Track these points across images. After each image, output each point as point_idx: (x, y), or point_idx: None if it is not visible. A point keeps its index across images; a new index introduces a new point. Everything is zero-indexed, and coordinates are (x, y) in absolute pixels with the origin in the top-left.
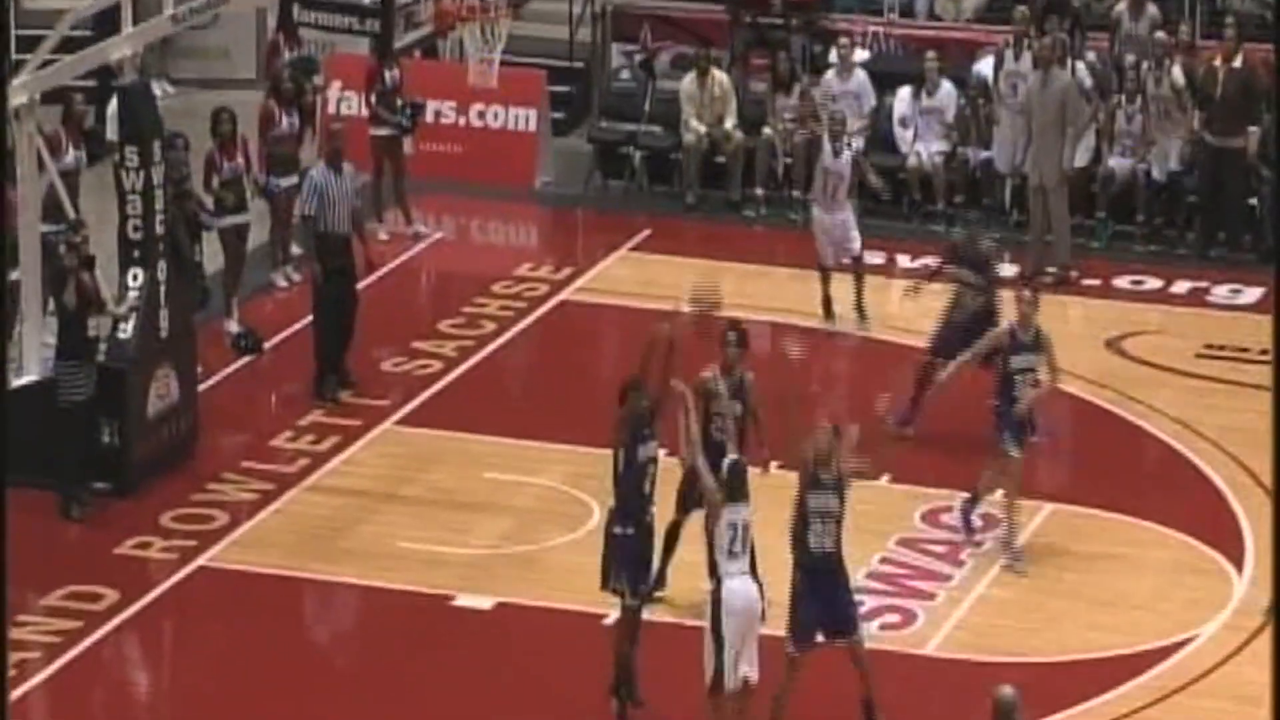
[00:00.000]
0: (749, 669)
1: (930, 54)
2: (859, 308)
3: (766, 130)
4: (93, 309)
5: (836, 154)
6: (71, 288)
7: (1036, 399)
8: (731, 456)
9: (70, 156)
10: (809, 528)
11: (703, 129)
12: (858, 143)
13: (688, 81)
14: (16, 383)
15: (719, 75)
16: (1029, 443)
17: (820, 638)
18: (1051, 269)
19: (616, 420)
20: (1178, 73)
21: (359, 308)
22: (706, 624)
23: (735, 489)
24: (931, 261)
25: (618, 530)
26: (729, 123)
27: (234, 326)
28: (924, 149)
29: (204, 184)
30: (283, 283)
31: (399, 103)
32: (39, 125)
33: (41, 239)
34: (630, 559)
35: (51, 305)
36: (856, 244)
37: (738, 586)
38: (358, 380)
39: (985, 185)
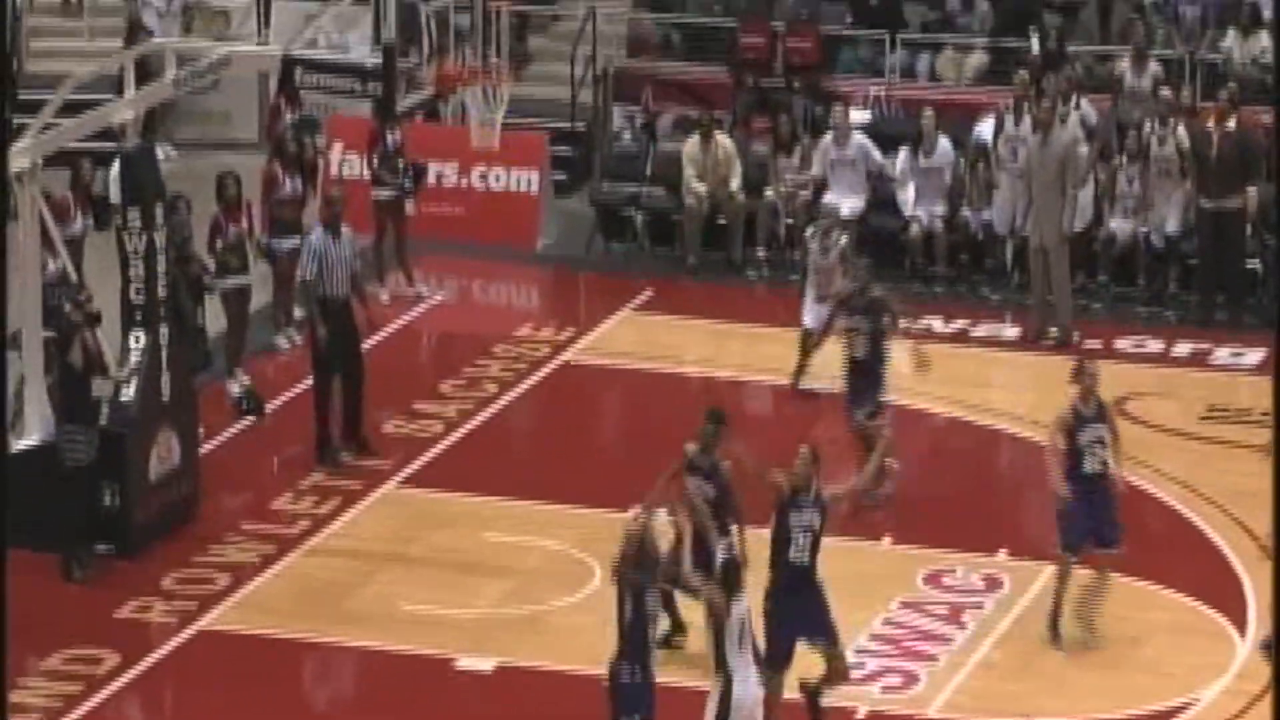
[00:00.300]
0: None
1: (927, 112)
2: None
3: (769, 192)
4: (96, 370)
5: (825, 252)
6: (78, 348)
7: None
8: (722, 555)
9: (78, 224)
10: (790, 542)
11: (704, 190)
12: (844, 239)
13: (691, 144)
14: (18, 445)
15: (722, 139)
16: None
17: (800, 645)
18: (1054, 331)
19: (622, 555)
20: (1182, 133)
21: (365, 371)
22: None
23: (733, 585)
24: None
25: (625, 678)
26: (734, 184)
27: (235, 389)
28: (924, 211)
29: (208, 247)
30: (284, 344)
31: (401, 165)
32: (47, 191)
33: (45, 304)
34: (640, 705)
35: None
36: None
37: (750, 687)
38: (377, 447)
39: (987, 247)
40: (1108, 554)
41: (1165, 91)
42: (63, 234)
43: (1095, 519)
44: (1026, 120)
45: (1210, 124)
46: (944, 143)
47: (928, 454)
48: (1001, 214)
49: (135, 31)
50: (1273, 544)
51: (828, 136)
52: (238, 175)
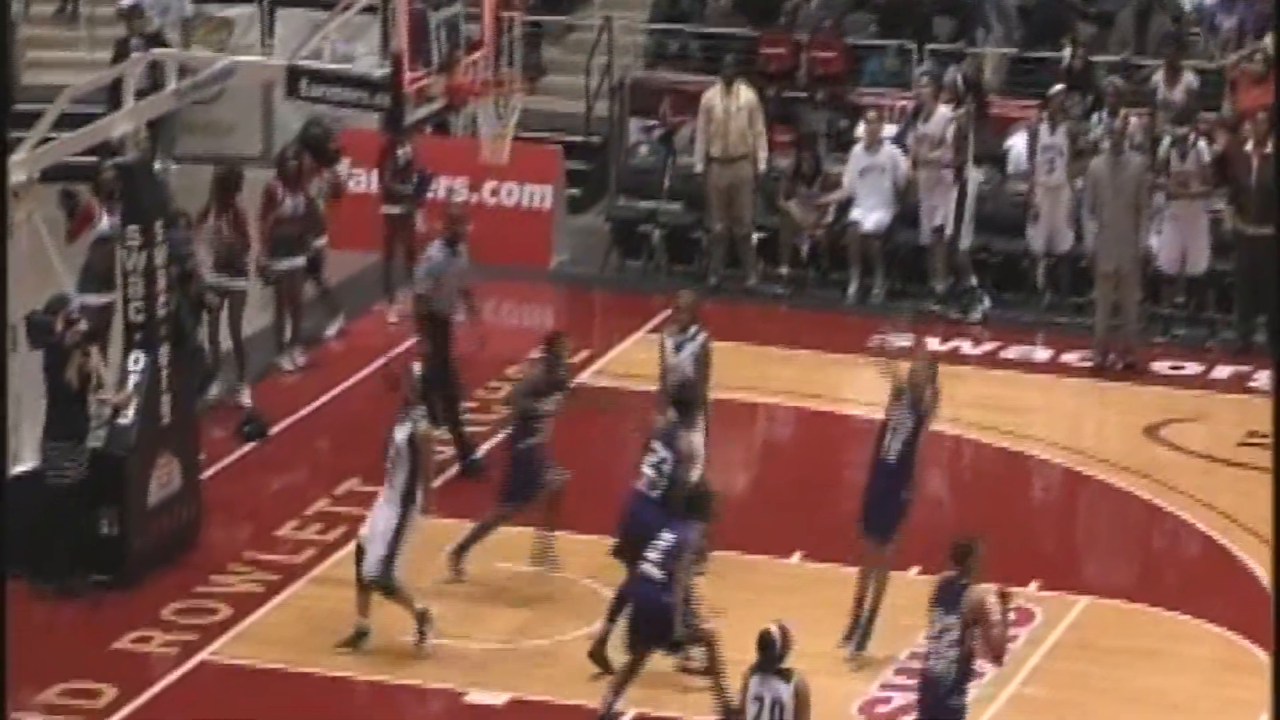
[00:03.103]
0: None
1: (871, 113)
2: None
3: (791, 206)
4: (91, 389)
5: (678, 349)
6: (74, 367)
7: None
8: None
9: (105, 223)
10: (885, 433)
11: (717, 152)
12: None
13: (711, 93)
14: (14, 470)
15: (744, 89)
16: None
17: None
18: (1130, 357)
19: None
20: (1203, 147)
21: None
22: None
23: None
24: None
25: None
26: (760, 151)
27: (288, 364)
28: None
29: (262, 217)
30: (288, 366)
31: (415, 179)
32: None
33: (35, 321)
34: None
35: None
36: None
37: None
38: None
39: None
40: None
41: (1171, 97)
42: (91, 236)
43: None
44: (1061, 130)
45: (1249, 146)
46: (887, 145)
47: (957, 480)
48: (1039, 231)
49: (128, 42)
50: (1273, 548)
51: (857, 146)
52: (299, 149)
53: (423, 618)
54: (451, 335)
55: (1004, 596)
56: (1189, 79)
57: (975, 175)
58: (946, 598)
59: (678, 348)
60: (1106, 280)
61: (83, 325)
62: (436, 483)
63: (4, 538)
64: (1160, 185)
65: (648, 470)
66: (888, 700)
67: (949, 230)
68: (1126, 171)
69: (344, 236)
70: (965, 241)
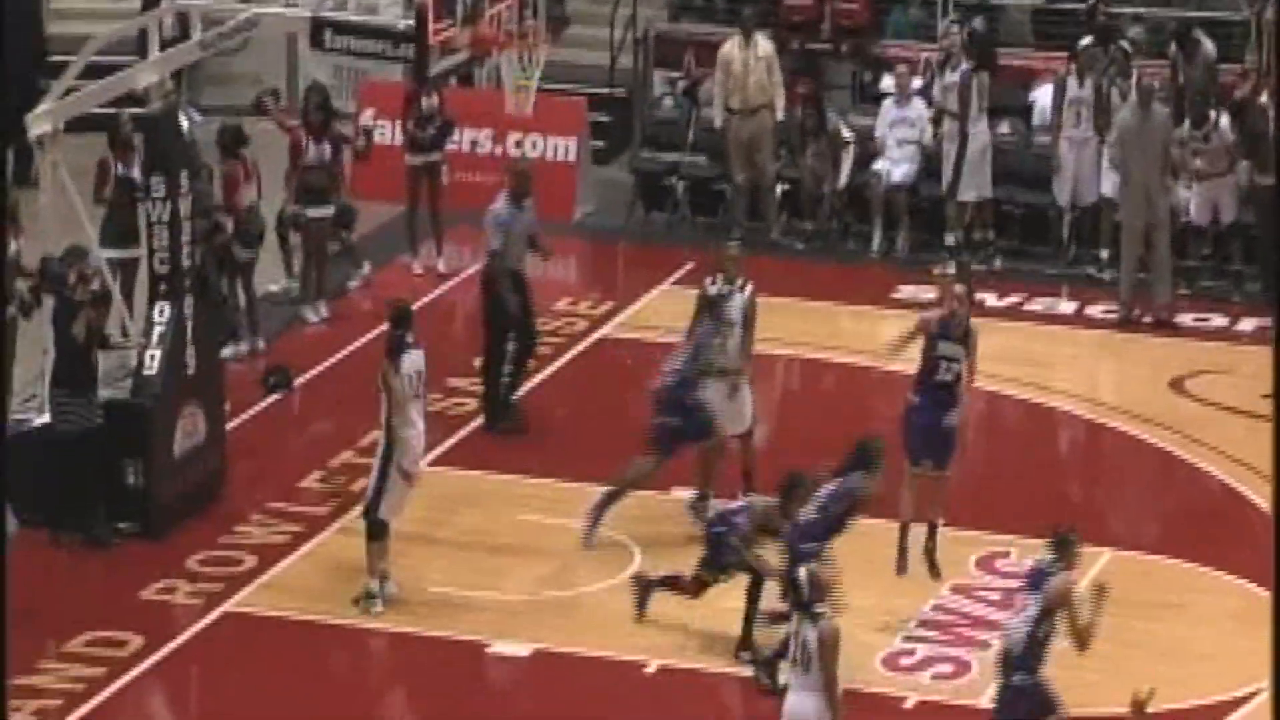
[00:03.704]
0: None
1: (901, 67)
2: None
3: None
4: (97, 344)
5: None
6: (81, 321)
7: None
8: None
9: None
10: (937, 368)
11: (736, 105)
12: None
13: (729, 45)
14: (38, 421)
15: (763, 40)
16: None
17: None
18: (1161, 313)
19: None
20: (1225, 126)
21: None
22: None
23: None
24: None
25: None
26: (777, 98)
27: (313, 316)
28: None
29: (286, 175)
30: (313, 318)
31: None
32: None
33: (49, 268)
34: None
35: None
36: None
37: (787, 699)
38: (526, 427)
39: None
40: (939, 473)
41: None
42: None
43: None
44: (1089, 83)
45: (1264, 98)
46: (917, 100)
47: (980, 433)
48: (1064, 184)
49: None
50: (1274, 537)
51: (888, 100)
52: (326, 92)
53: (376, 584)
54: (527, 289)
55: (1100, 591)
56: (1207, 50)
57: (980, 130)
58: (1035, 579)
59: (726, 297)
60: (1133, 236)
61: (95, 284)
62: (461, 434)
63: (4, 489)
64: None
65: None
66: (911, 652)
67: (946, 182)
68: (1153, 125)
69: (369, 188)
70: (966, 195)
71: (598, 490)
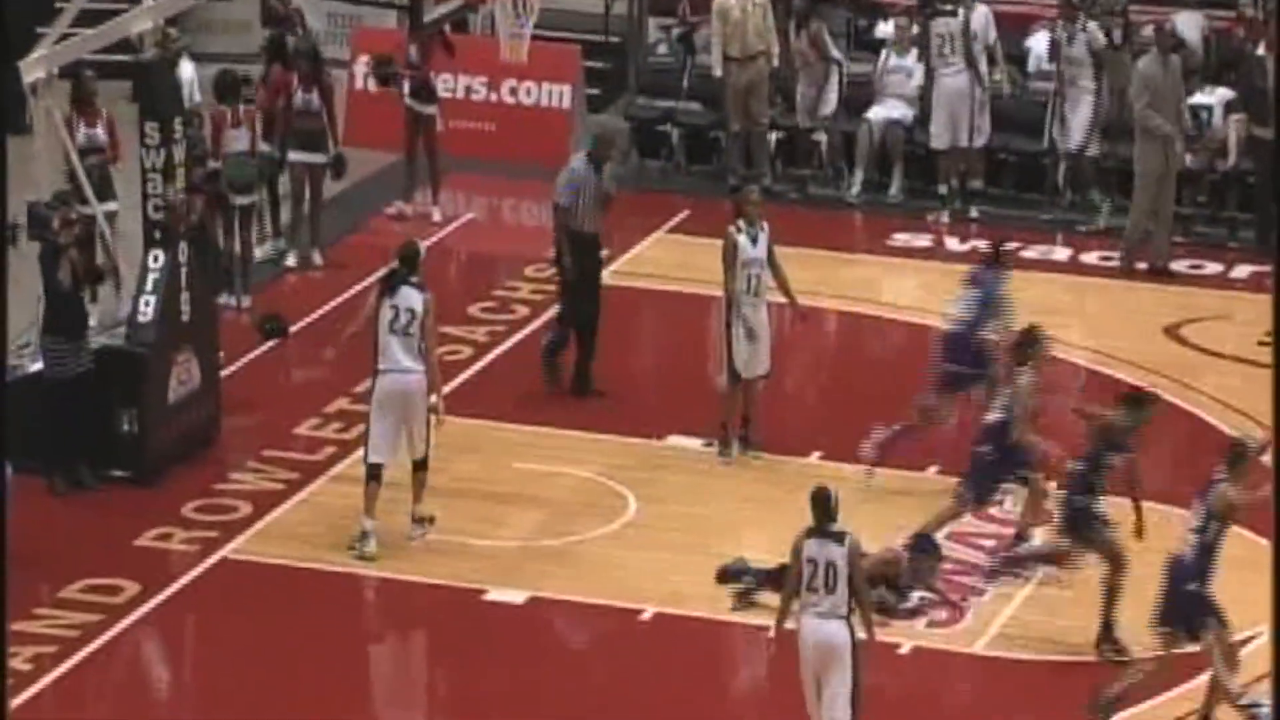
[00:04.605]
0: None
1: (902, 17)
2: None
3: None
4: (85, 286)
5: (754, 242)
6: (66, 266)
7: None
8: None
9: (82, 134)
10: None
11: (736, 53)
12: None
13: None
14: (32, 368)
15: None
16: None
17: None
18: (1160, 261)
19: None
20: (1094, 29)
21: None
22: None
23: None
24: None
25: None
26: (771, 40)
27: (291, 260)
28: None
29: (283, 109)
30: (291, 263)
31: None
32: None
33: (36, 213)
34: None
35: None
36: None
37: (805, 625)
38: (601, 390)
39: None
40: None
41: None
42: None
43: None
44: (1080, 39)
45: (1261, 50)
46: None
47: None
48: (1065, 131)
49: None
50: (1273, 541)
51: (885, 49)
52: (314, 40)
53: (368, 523)
54: (597, 251)
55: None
56: None
57: (950, 78)
58: (1205, 491)
59: (753, 241)
60: (1149, 183)
61: (78, 229)
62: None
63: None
64: None
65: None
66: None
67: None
68: (1173, 73)
69: (364, 134)
70: (935, 143)
71: (593, 437)
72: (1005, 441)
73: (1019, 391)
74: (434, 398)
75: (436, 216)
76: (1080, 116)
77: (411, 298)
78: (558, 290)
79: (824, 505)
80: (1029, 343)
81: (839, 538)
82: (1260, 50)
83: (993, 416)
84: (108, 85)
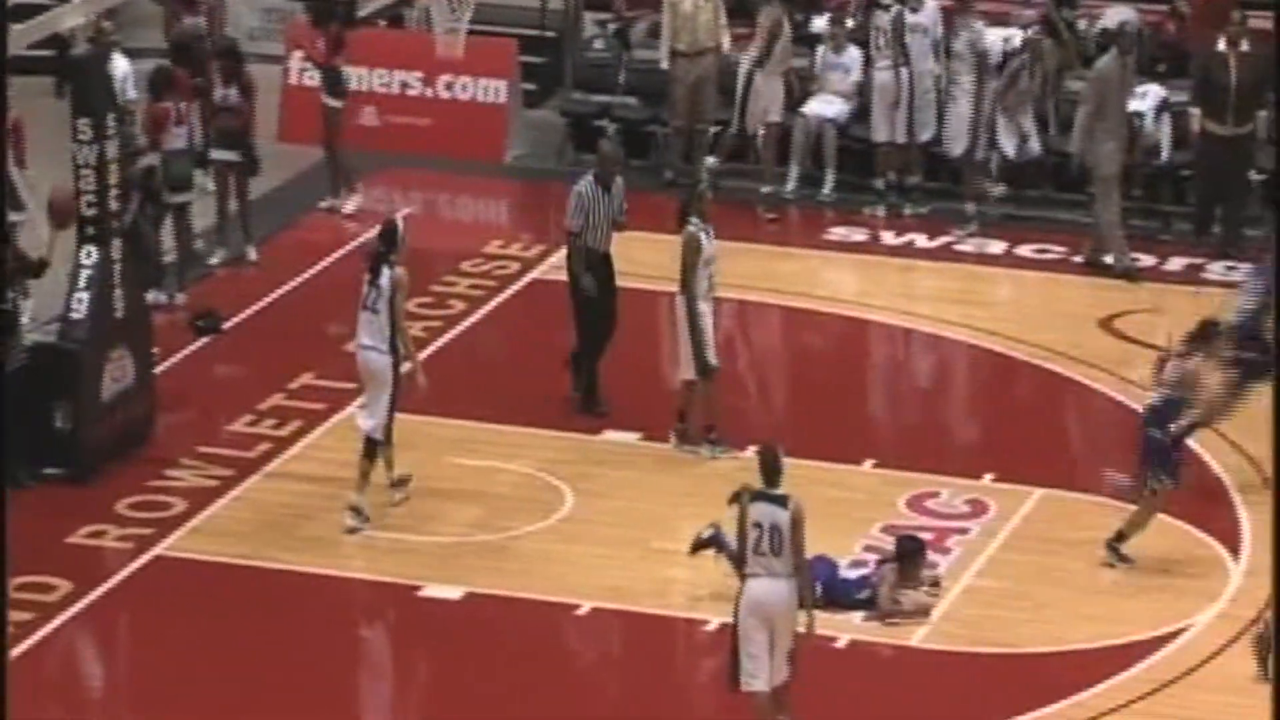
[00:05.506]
0: (758, 678)
1: (834, 28)
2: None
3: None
4: (12, 284)
5: (709, 238)
6: None
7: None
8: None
9: None
10: None
11: (684, 48)
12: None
13: None
14: None
15: None
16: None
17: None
18: (1094, 249)
19: None
20: (979, 27)
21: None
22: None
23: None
24: None
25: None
26: (724, 40)
27: (253, 254)
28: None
29: (201, 115)
30: (214, 260)
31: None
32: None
33: None
34: None
35: None
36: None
37: (755, 587)
38: (609, 409)
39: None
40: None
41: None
42: None
43: None
44: (963, 36)
45: (1221, 46)
46: (852, 47)
47: (909, 374)
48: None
49: None
50: (1272, 547)
51: (822, 46)
52: (231, 42)
53: (356, 507)
54: (610, 271)
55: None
56: None
57: (880, 72)
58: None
59: (710, 237)
60: (1107, 184)
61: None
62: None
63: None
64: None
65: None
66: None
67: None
68: (1129, 73)
69: (299, 131)
70: (876, 136)
71: (530, 432)
72: (1169, 421)
73: (1191, 377)
74: (407, 365)
75: (348, 208)
76: (958, 117)
77: (383, 275)
78: (574, 310)
79: (770, 466)
80: (1207, 335)
81: (782, 501)
82: (1221, 46)
83: (1156, 398)
84: (27, 82)
